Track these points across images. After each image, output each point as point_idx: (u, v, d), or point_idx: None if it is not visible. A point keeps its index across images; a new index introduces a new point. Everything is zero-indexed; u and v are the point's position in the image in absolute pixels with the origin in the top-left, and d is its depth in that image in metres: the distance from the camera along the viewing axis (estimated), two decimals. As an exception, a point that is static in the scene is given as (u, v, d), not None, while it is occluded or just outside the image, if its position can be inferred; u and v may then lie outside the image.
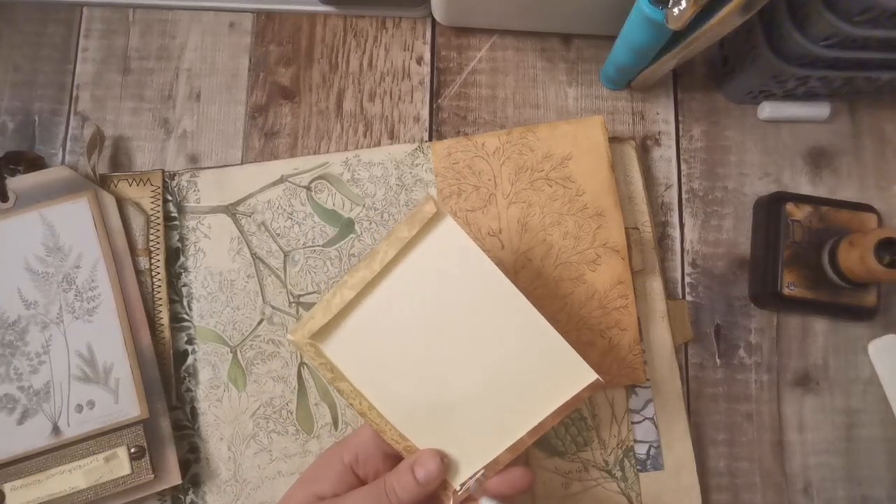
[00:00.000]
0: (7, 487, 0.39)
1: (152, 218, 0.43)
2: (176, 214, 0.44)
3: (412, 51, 0.48)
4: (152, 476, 0.40)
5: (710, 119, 0.48)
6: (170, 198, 0.44)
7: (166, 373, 0.42)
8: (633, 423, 0.43)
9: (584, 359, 0.32)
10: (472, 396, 0.32)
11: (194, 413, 0.42)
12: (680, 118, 0.48)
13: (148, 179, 0.44)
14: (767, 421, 0.44)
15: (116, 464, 0.40)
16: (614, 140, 0.46)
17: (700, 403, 0.45)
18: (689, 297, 0.46)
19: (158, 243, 0.43)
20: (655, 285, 0.44)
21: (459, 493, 0.32)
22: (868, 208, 0.45)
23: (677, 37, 0.38)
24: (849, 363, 0.45)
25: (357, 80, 0.48)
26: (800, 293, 0.43)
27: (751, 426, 0.44)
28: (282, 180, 0.45)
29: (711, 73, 0.49)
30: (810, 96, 0.46)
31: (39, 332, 0.41)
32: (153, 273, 0.43)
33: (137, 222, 0.43)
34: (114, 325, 0.41)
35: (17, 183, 0.42)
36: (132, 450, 0.40)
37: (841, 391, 0.45)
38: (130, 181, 0.44)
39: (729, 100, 0.48)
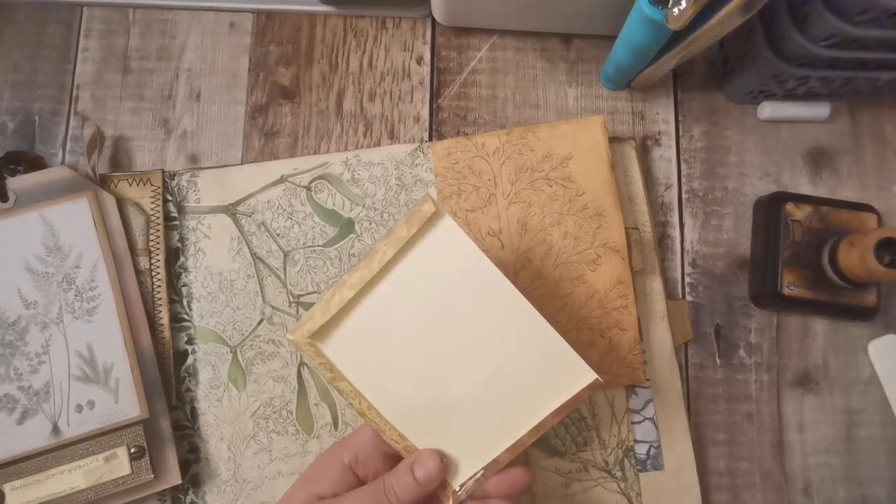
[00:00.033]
0: (7, 487, 0.39)
1: (152, 218, 0.43)
2: (176, 214, 0.44)
3: (412, 51, 0.48)
4: (152, 476, 0.40)
5: (710, 119, 0.48)
6: (170, 198, 0.44)
7: (166, 373, 0.42)
8: (633, 423, 0.43)
9: (584, 359, 0.32)
10: (471, 396, 0.32)
11: (194, 413, 0.42)
12: (680, 118, 0.48)
13: (148, 179, 0.44)
14: (767, 421, 0.44)
15: (116, 464, 0.40)
16: (614, 140, 0.46)
17: (700, 403, 0.45)
18: (689, 297, 0.46)
19: (158, 243, 0.43)
20: (655, 285, 0.44)
21: (459, 493, 0.32)
22: (868, 208, 0.45)
23: (677, 37, 0.38)
24: (849, 363, 0.45)
25: (357, 80, 0.48)
26: (800, 293, 0.43)
27: (751, 426, 0.44)
28: (282, 180, 0.45)
29: (711, 73, 0.49)
30: (810, 96, 0.46)
31: (39, 332, 0.41)
32: (153, 273, 0.43)
33: (137, 222, 0.43)
34: (114, 325, 0.41)
35: (17, 183, 0.42)
36: (132, 450, 0.40)
37: (841, 391, 0.45)
38: (130, 181, 0.44)
39: (729, 100, 0.48)
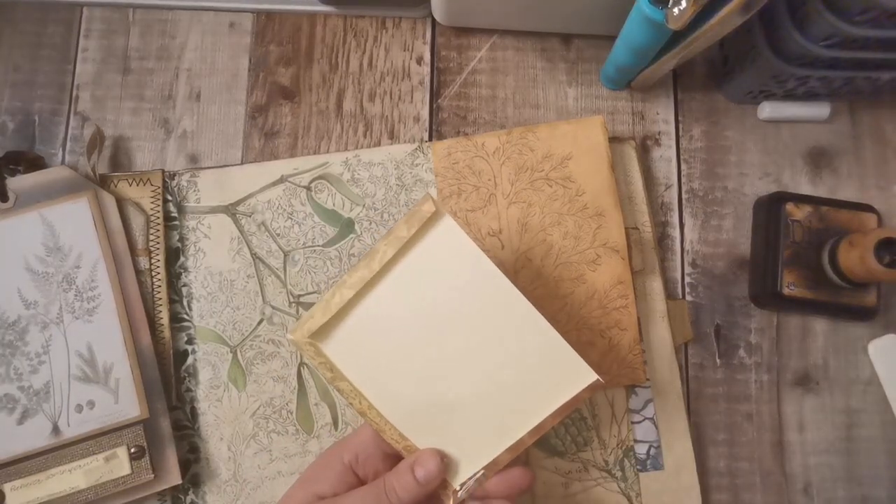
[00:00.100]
0: (7, 487, 0.39)
1: (152, 218, 0.43)
2: (176, 214, 0.44)
3: (412, 51, 0.48)
4: (152, 476, 0.40)
5: (710, 119, 0.48)
6: (170, 198, 0.44)
7: (166, 373, 0.42)
8: (633, 423, 0.43)
9: (584, 359, 0.32)
10: (471, 396, 0.32)
11: (194, 413, 0.42)
12: (680, 118, 0.48)
13: (148, 179, 0.44)
14: (767, 421, 0.44)
15: (116, 464, 0.40)
16: (614, 140, 0.46)
17: (700, 403, 0.45)
18: (689, 297, 0.46)
19: (158, 243, 0.43)
20: (655, 285, 0.44)
21: (459, 493, 0.32)
22: (868, 208, 0.45)
23: (677, 37, 0.38)
24: (849, 363, 0.45)
25: (357, 80, 0.48)
26: (800, 293, 0.43)
27: (751, 426, 0.44)
28: (282, 180, 0.45)
29: (711, 73, 0.49)
30: (810, 96, 0.46)
31: (39, 332, 0.41)
32: (153, 273, 0.43)
33: (137, 222, 0.43)
34: (114, 325, 0.41)
35: (17, 183, 0.42)
36: (132, 450, 0.40)
37: (841, 391, 0.45)
38: (130, 181, 0.44)
39: (729, 100, 0.48)
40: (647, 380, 0.43)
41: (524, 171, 0.44)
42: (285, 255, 0.44)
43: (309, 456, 0.42)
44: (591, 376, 0.32)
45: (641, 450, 0.43)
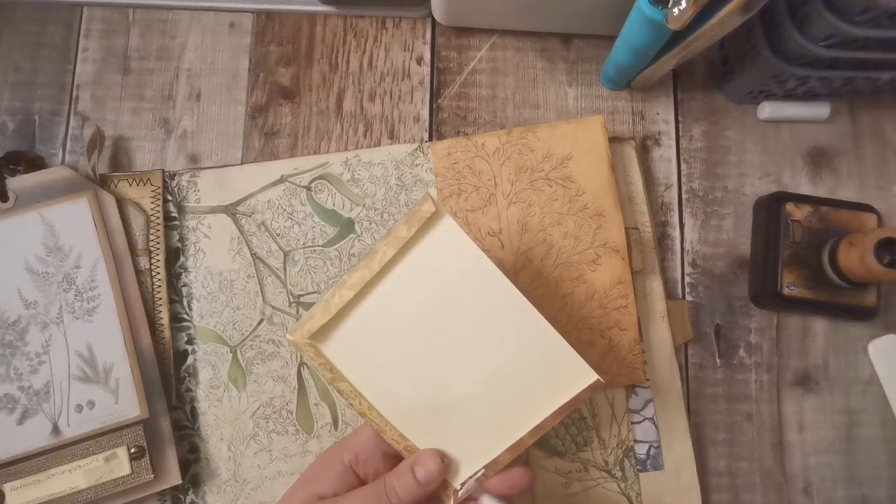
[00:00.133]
0: (7, 487, 0.39)
1: (152, 218, 0.43)
2: (176, 214, 0.44)
3: (412, 51, 0.48)
4: (152, 476, 0.40)
5: (710, 119, 0.48)
6: (170, 198, 0.44)
7: (166, 373, 0.42)
8: (633, 423, 0.43)
9: (584, 359, 0.32)
10: (471, 396, 0.32)
11: (194, 413, 0.42)
12: (680, 118, 0.48)
13: (148, 179, 0.44)
14: (767, 421, 0.44)
15: (116, 464, 0.40)
16: (614, 140, 0.46)
17: (700, 403, 0.45)
18: (689, 297, 0.46)
19: (158, 243, 0.43)
20: (655, 285, 0.44)
21: (460, 493, 0.32)
22: (868, 208, 0.45)
23: (677, 37, 0.38)
24: (849, 363, 0.45)
25: (357, 80, 0.48)
26: (800, 293, 0.43)
27: (751, 426, 0.44)
28: (282, 180, 0.45)
29: (711, 73, 0.49)
30: (810, 96, 0.46)
31: (39, 332, 0.41)
32: (153, 273, 0.43)
33: (137, 222, 0.43)
34: (114, 325, 0.41)
35: (17, 183, 0.42)
36: (132, 450, 0.40)
37: (841, 391, 0.45)
38: (130, 181, 0.44)
39: (729, 100, 0.48)
40: (647, 380, 0.43)
41: (524, 171, 0.44)
42: (285, 255, 0.44)
43: (309, 456, 0.42)
44: (591, 376, 0.32)
45: (641, 450, 0.43)
